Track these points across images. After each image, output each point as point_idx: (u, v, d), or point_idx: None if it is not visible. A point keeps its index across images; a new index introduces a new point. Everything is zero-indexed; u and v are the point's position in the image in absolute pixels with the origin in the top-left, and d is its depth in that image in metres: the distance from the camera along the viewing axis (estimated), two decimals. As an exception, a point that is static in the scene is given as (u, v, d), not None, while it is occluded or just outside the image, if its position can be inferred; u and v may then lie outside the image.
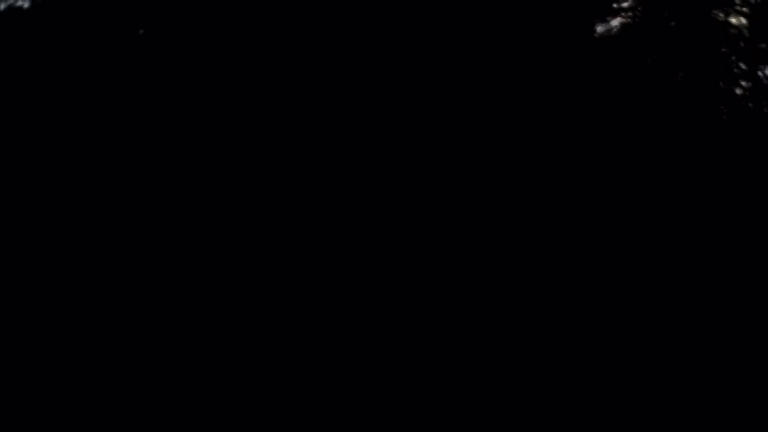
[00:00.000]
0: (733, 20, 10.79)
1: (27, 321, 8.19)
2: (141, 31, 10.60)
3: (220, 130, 10.04)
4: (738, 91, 10.57)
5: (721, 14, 10.68)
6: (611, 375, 6.74)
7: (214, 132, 10.03)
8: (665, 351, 7.30)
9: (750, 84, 10.52)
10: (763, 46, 10.70)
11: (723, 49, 10.41)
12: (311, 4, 10.13)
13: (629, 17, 10.31)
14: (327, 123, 9.84)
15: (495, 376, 6.77)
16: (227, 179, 9.78)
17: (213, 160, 9.90)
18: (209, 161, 9.90)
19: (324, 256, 9.09)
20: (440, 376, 6.80)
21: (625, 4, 10.26)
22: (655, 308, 8.28)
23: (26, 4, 10.60)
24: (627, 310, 8.23)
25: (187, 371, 7.13)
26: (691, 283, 8.63)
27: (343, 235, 9.24)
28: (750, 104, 10.32)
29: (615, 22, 10.27)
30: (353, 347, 7.46)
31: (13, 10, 10.44)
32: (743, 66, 10.55)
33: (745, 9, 10.77)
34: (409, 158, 9.63)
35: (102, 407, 6.50)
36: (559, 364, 6.98)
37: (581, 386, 6.52)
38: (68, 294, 8.74)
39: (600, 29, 10.17)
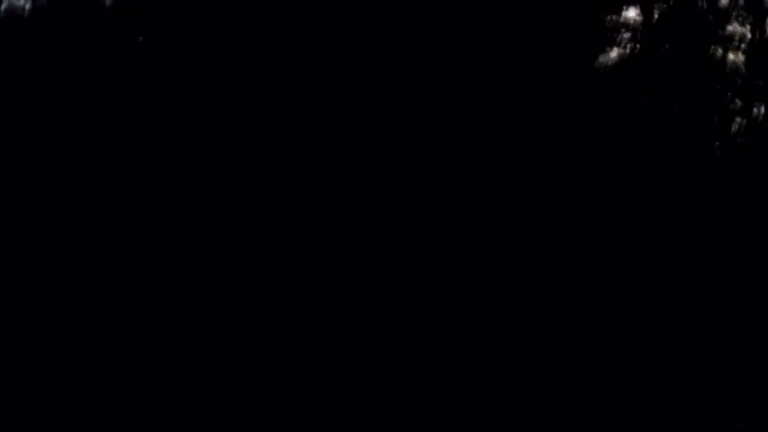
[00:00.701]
0: (731, 56, 10.90)
1: (28, 321, 8.22)
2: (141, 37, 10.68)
3: (221, 130, 10.09)
4: (733, 127, 10.67)
5: (719, 51, 10.79)
6: (610, 375, 6.77)
7: (214, 133, 10.09)
8: (665, 350, 7.34)
9: (745, 120, 10.62)
10: (760, 83, 10.81)
11: (719, 86, 10.50)
12: (311, 5, 10.19)
13: (627, 49, 10.41)
14: (326, 125, 9.91)
15: (494, 376, 6.80)
16: (228, 179, 9.84)
17: (213, 161, 9.96)
18: (210, 161, 9.96)
19: (324, 256, 9.14)
20: (440, 376, 6.82)
21: (624, 36, 10.36)
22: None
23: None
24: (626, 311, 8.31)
25: (187, 371, 7.16)
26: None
27: (342, 235, 9.30)
28: (743, 141, 10.42)
29: (614, 54, 10.38)
30: (354, 347, 7.48)
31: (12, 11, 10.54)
32: (739, 102, 10.64)
33: (743, 46, 10.88)
34: (409, 160, 9.70)
35: (102, 407, 6.52)
36: (559, 363, 7.01)
37: (581, 386, 6.54)
38: (69, 294, 8.78)
39: (599, 59, 10.27)
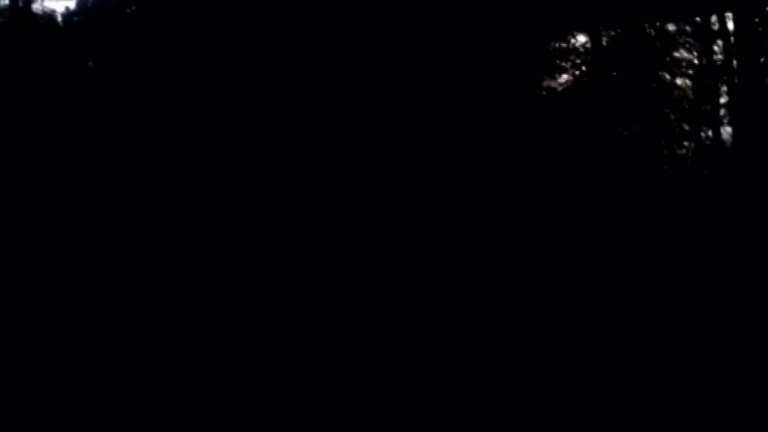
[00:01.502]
0: (678, 81, 11.16)
1: (28, 321, 8.20)
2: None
3: (221, 131, 10.17)
4: (682, 151, 10.88)
5: (667, 76, 11.04)
6: (610, 375, 6.81)
7: (214, 133, 10.16)
8: (664, 350, 7.39)
9: (692, 144, 10.84)
10: (707, 108, 11.05)
11: (667, 110, 10.72)
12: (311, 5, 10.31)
13: (576, 74, 10.62)
14: (325, 128, 10.01)
15: (494, 376, 6.82)
16: (227, 180, 9.90)
17: (213, 161, 10.02)
18: (210, 162, 10.02)
19: (323, 257, 9.18)
20: (439, 376, 6.84)
21: (572, 62, 10.57)
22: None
23: None
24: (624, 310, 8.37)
25: (187, 371, 7.15)
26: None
27: (342, 236, 9.35)
28: (691, 164, 10.61)
29: (562, 79, 10.59)
30: (353, 348, 7.50)
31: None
32: (686, 126, 10.86)
33: (690, 72, 11.14)
34: (408, 162, 9.79)
35: (102, 406, 6.50)
36: (559, 363, 7.04)
37: (580, 386, 6.57)
38: (69, 294, 8.78)
39: (546, 84, 10.47)
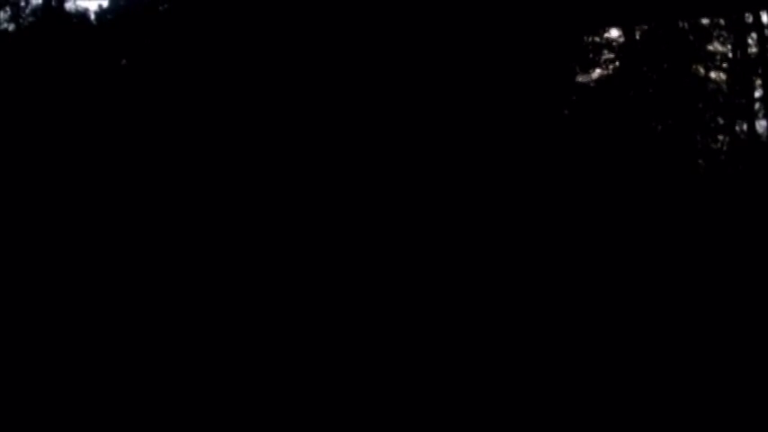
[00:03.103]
0: (713, 75, 11.05)
1: (28, 321, 8.31)
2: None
3: (221, 132, 10.22)
4: (716, 145, 10.79)
5: (701, 69, 10.94)
6: (609, 375, 6.81)
7: (214, 134, 10.22)
8: (663, 349, 7.38)
9: (727, 138, 10.74)
10: (742, 101, 10.94)
11: (701, 104, 10.63)
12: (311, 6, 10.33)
13: (609, 69, 10.56)
14: (325, 129, 10.03)
15: (493, 376, 6.83)
16: (228, 181, 9.95)
17: (213, 162, 10.08)
18: (210, 163, 10.08)
19: (323, 257, 9.22)
20: (439, 376, 6.86)
21: (605, 57, 10.51)
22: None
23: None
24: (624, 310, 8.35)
25: (187, 371, 7.21)
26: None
27: (342, 236, 9.39)
28: (726, 158, 10.52)
29: (595, 74, 10.53)
30: (353, 348, 7.53)
31: None
32: (720, 120, 10.77)
33: (724, 65, 11.03)
34: (408, 162, 9.80)
35: (102, 406, 6.57)
36: (558, 363, 7.04)
37: (580, 386, 6.57)
38: (69, 294, 8.88)
39: (580, 79, 10.41)
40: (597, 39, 10.35)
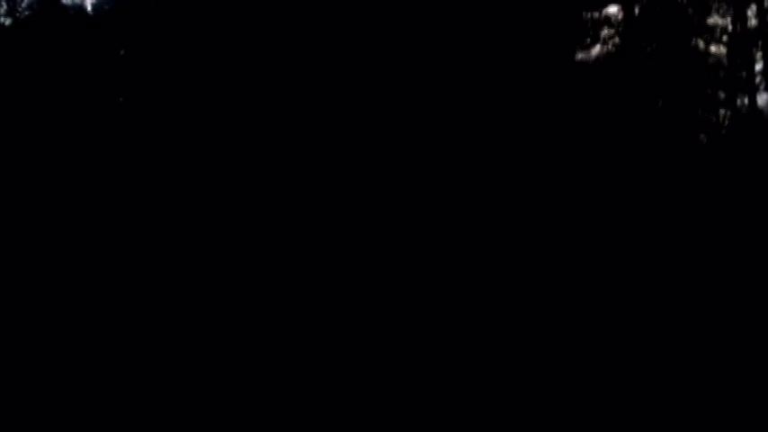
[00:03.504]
0: (713, 49, 10.99)
1: (29, 321, 8.34)
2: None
3: (222, 133, 10.22)
4: (717, 119, 10.75)
5: (701, 43, 10.88)
6: (609, 375, 6.82)
7: (215, 135, 10.22)
8: (663, 349, 7.39)
9: (729, 112, 10.70)
10: (742, 75, 10.89)
11: (702, 78, 10.59)
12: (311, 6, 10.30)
13: (609, 45, 10.51)
14: (326, 128, 10.02)
15: (493, 376, 6.85)
16: (228, 182, 9.96)
17: (214, 163, 10.08)
18: (210, 163, 10.08)
19: (323, 257, 9.23)
20: (439, 376, 6.88)
21: (604, 33, 10.45)
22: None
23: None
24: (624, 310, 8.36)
25: (188, 371, 7.24)
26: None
27: (342, 237, 9.40)
28: (727, 132, 10.49)
29: (595, 50, 10.47)
30: (353, 348, 7.55)
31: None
32: (722, 94, 10.73)
33: (724, 38, 10.97)
34: (408, 162, 9.79)
35: (102, 406, 6.60)
36: (558, 363, 7.06)
37: (580, 386, 6.59)
38: (70, 294, 8.91)
39: (580, 56, 10.37)
40: (596, 13, 10.30)
